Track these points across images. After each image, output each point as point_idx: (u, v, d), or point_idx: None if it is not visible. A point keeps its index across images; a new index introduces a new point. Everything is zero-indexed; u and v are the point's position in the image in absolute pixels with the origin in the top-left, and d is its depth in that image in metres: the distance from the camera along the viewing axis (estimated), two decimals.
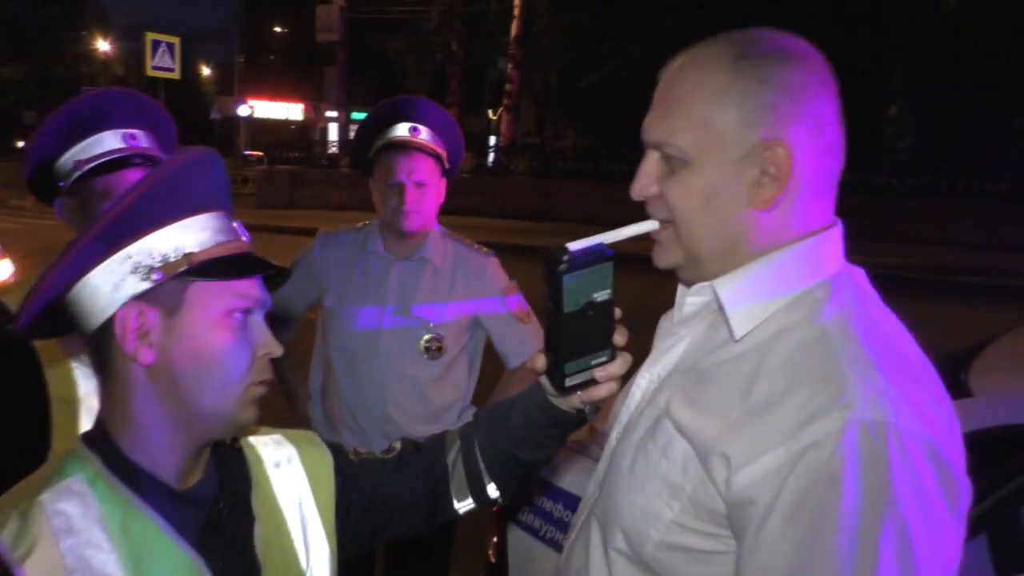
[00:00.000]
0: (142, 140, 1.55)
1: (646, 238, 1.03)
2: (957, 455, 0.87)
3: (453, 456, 1.17)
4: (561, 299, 0.91)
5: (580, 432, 1.17)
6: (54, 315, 0.93)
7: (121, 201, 0.90)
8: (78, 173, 1.49)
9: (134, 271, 0.90)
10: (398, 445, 1.20)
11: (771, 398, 0.88)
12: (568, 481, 2.07)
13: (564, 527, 2.03)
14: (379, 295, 2.19)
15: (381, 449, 1.20)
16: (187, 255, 0.91)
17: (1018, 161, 14.35)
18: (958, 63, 15.20)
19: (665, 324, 1.14)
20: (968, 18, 14.85)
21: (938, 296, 8.51)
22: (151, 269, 0.90)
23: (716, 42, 0.97)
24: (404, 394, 2.18)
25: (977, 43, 14.75)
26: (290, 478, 1.08)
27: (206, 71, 45.71)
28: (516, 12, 19.79)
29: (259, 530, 1.01)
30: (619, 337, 0.99)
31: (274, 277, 1.01)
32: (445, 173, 2.20)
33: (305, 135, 35.15)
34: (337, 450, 1.15)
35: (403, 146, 2.13)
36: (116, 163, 1.49)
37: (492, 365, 2.37)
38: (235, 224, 0.98)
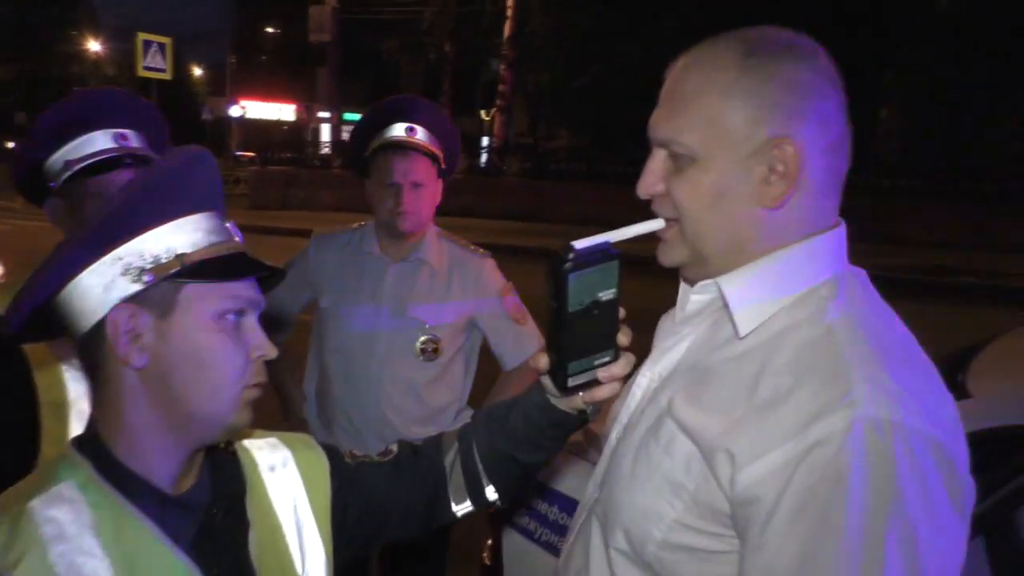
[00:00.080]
0: (133, 140, 1.53)
1: (645, 238, 1.02)
2: (962, 454, 0.87)
3: (451, 458, 1.16)
4: (566, 298, 0.90)
5: (575, 434, 1.16)
6: (43, 318, 0.91)
7: (111, 201, 0.89)
8: (68, 173, 1.47)
9: (125, 273, 0.88)
10: (395, 448, 1.18)
11: (777, 395, 0.88)
12: (563, 484, 2.07)
13: (559, 529, 2.03)
14: (375, 296, 2.18)
15: (377, 451, 1.19)
16: (179, 256, 0.90)
17: (1010, 161, 14.45)
18: (951, 64, 15.28)
19: (665, 324, 1.14)
20: (960, 19, 14.95)
21: (929, 297, 8.54)
22: (142, 271, 0.88)
23: (723, 40, 0.97)
24: (400, 396, 2.17)
25: (971, 44, 14.85)
26: (285, 482, 1.07)
27: (198, 72, 45.61)
28: (509, 13, 19.83)
29: (254, 535, 1.00)
30: (623, 337, 0.98)
31: (268, 278, 1.00)
32: (442, 174, 2.19)
33: (297, 136, 35.15)
34: (333, 453, 1.14)
35: (400, 146, 2.12)
36: (107, 163, 1.47)
37: (488, 367, 2.36)
38: (228, 224, 0.97)
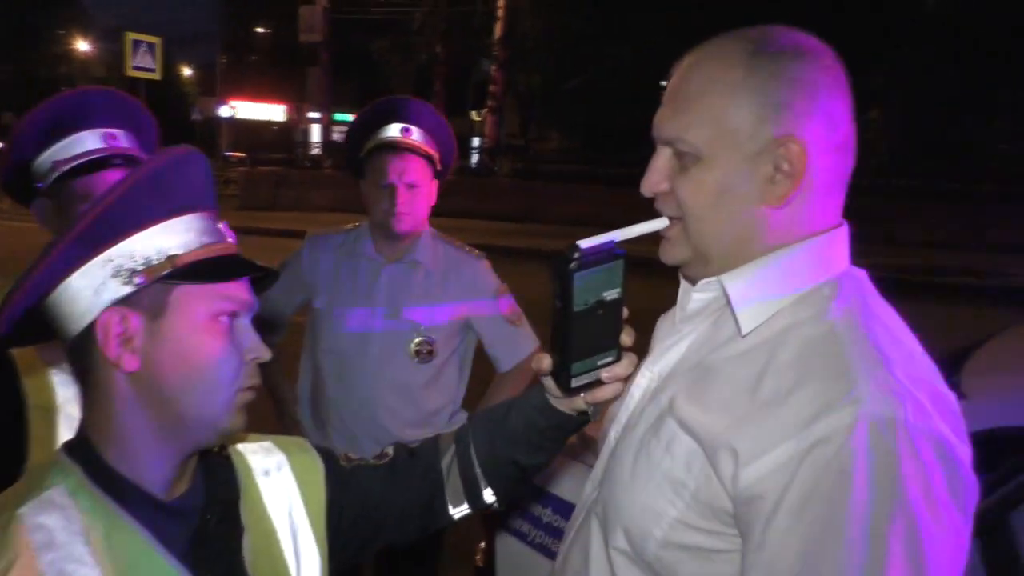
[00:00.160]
0: (122, 140, 1.52)
1: (645, 239, 1.01)
2: (964, 453, 0.87)
3: (448, 460, 1.15)
4: (571, 298, 0.89)
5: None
6: (32, 321, 0.90)
7: (101, 202, 0.87)
8: (56, 174, 1.46)
9: (115, 275, 0.87)
10: (391, 451, 1.17)
11: (780, 393, 0.88)
12: (557, 486, 2.06)
13: (553, 532, 2.02)
14: (369, 297, 2.17)
15: (372, 454, 1.18)
16: (170, 257, 0.88)
17: (1004, 162, 14.55)
18: (943, 65, 15.37)
19: (665, 324, 1.14)
20: (950, 19, 15.04)
21: (924, 297, 8.58)
22: (133, 272, 0.87)
23: (729, 38, 0.97)
24: (394, 398, 2.16)
25: (962, 45, 14.93)
26: (280, 486, 1.06)
27: (187, 72, 45.41)
28: (500, 14, 19.85)
29: (248, 540, 0.98)
30: (626, 337, 0.98)
31: (261, 279, 0.99)
32: (437, 174, 2.19)
33: (287, 136, 35.05)
34: (328, 456, 1.13)
35: (395, 147, 2.11)
36: (95, 163, 1.46)
37: (482, 369, 2.35)
38: (220, 225, 0.95)
